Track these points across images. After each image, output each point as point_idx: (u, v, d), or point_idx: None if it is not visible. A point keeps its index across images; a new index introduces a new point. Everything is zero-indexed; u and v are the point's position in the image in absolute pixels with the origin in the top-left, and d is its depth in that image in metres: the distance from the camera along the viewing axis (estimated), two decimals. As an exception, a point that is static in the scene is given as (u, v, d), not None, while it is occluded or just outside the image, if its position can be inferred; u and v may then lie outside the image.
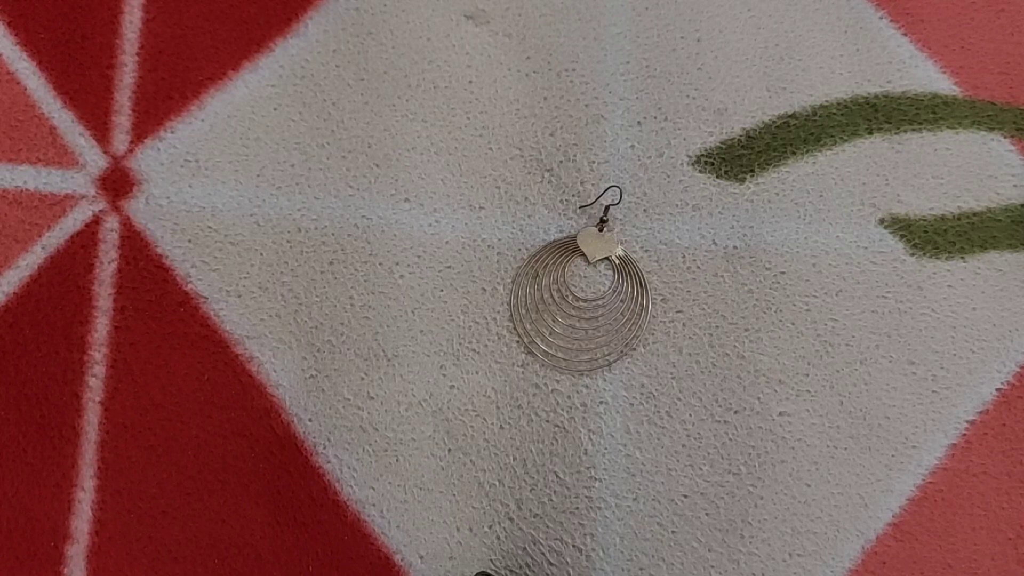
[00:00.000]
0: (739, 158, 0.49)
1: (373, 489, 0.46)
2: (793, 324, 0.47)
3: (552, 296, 0.47)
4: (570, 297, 0.47)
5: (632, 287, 0.47)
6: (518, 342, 0.47)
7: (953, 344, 0.47)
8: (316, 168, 0.49)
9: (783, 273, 0.47)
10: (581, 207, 0.48)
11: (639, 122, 0.49)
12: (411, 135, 0.49)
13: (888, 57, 0.50)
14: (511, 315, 0.47)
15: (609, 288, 0.47)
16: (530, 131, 0.49)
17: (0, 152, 0.49)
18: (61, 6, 0.51)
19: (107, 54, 0.50)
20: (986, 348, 0.47)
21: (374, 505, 0.46)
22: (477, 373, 0.47)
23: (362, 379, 0.47)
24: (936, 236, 0.48)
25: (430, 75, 0.50)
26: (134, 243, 0.48)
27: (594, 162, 0.49)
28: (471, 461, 0.46)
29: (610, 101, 0.49)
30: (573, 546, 0.45)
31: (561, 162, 0.49)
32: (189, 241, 0.48)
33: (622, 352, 0.47)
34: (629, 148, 0.49)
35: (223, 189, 0.49)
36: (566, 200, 0.48)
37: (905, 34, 0.50)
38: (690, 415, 0.46)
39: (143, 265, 0.48)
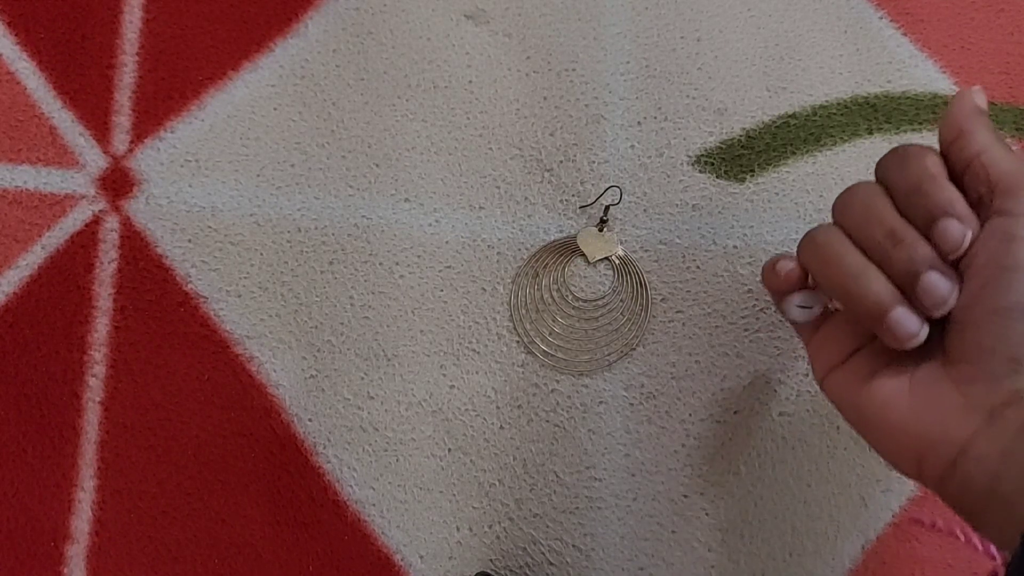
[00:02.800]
0: (739, 158, 0.49)
1: (373, 489, 0.46)
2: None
3: (552, 296, 0.47)
4: (570, 297, 0.47)
5: (632, 287, 0.47)
6: (518, 342, 0.47)
7: (953, 344, 0.47)
8: (316, 168, 0.49)
9: (783, 273, 0.47)
10: (581, 207, 0.48)
11: (639, 122, 0.49)
12: (411, 135, 0.49)
13: (888, 57, 0.50)
14: (511, 315, 0.47)
15: (609, 288, 0.47)
16: (530, 131, 0.49)
17: (0, 152, 0.49)
18: (61, 6, 0.51)
19: (107, 54, 0.50)
20: (986, 348, 0.47)
21: (374, 505, 0.46)
22: (477, 373, 0.47)
23: (362, 379, 0.47)
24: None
25: (430, 75, 0.50)
26: (134, 243, 0.48)
27: (594, 162, 0.49)
28: (471, 461, 0.46)
29: (610, 101, 0.49)
30: (573, 546, 0.45)
31: (561, 162, 0.49)
32: (189, 241, 0.48)
33: (622, 352, 0.47)
34: (629, 148, 0.49)
35: (223, 189, 0.49)
36: (566, 200, 0.48)
37: (905, 34, 0.50)
38: (690, 415, 0.46)
39: (143, 265, 0.48)
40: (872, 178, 0.34)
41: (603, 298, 0.47)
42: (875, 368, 0.33)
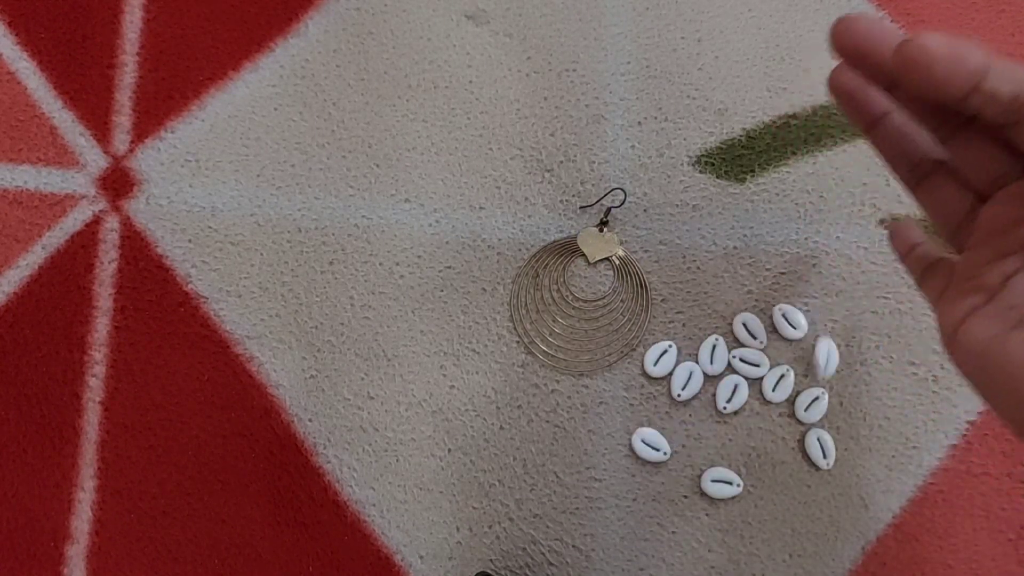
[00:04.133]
0: (739, 158, 0.49)
1: (373, 489, 0.46)
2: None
3: (552, 296, 0.47)
4: (570, 297, 0.47)
5: (632, 287, 0.47)
6: (518, 342, 0.47)
7: (953, 345, 0.47)
8: (316, 168, 0.49)
9: (783, 273, 0.47)
10: (582, 207, 0.48)
11: (639, 122, 0.49)
12: (411, 135, 0.49)
13: (889, 57, 0.50)
14: (511, 315, 0.47)
15: (609, 288, 0.47)
16: (530, 131, 0.49)
17: (0, 152, 0.49)
18: (61, 6, 0.51)
19: (107, 54, 0.50)
20: (987, 349, 0.47)
21: (374, 505, 0.46)
22: (477, 373, 0.47)
23: (362, 379, 0.47)
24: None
25: (430, 75, 0.50)
26: (134, 243, 0.48)
27: (594, 162, 0.49)
28: (471, 461, 0.46)
29: (610, 101, 0.49)
30: (573, 546, 0.45)
31: (561, 162, 0.49)
32: (189, 241, 0.48)
33: (622, 352, 0.46)
34: (629, 148, 0.49)
35: (223, 189, 0.49)
36: (566, 200, 0.48)
37: (906, 34, 0.50)
38: (690, 415, 0.46)
39: (143, 265, 0.48)
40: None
41: (603, 298, 0.47)
42: (1005, 325, 0.29)
